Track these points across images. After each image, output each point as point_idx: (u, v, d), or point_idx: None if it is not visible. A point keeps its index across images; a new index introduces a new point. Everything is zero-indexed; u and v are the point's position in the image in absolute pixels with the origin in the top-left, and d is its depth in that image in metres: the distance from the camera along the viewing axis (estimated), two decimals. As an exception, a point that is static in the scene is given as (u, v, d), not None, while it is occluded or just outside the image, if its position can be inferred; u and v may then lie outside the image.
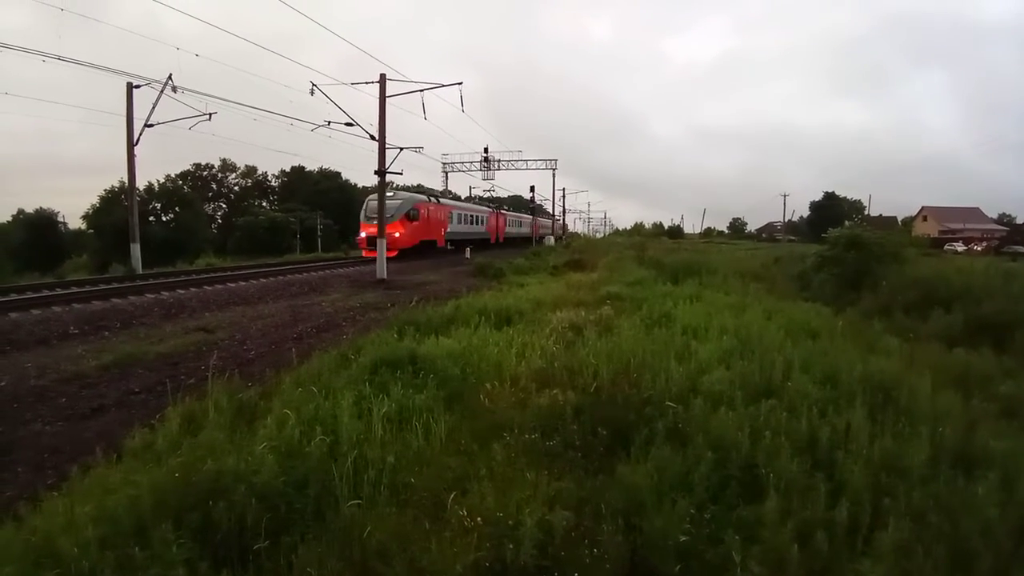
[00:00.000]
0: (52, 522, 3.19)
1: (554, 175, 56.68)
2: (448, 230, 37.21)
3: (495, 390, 5.67)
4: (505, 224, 53.31)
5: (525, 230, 60.92)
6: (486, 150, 47.06)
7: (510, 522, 3.27)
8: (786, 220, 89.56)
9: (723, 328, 8.04)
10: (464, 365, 6.40)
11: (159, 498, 3.32)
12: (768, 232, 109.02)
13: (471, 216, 43.58)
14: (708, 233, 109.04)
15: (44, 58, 16.92)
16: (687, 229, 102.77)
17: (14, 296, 13.78)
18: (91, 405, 6.27)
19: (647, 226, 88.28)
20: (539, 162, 53.94)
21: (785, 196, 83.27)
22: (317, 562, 3.01)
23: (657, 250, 29.10)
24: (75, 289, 15.38)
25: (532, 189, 58.39)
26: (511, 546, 3.08)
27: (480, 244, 44.65)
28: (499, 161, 50.12)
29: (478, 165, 49.24)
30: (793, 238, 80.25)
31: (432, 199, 36.10)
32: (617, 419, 4.68)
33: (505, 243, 51.55)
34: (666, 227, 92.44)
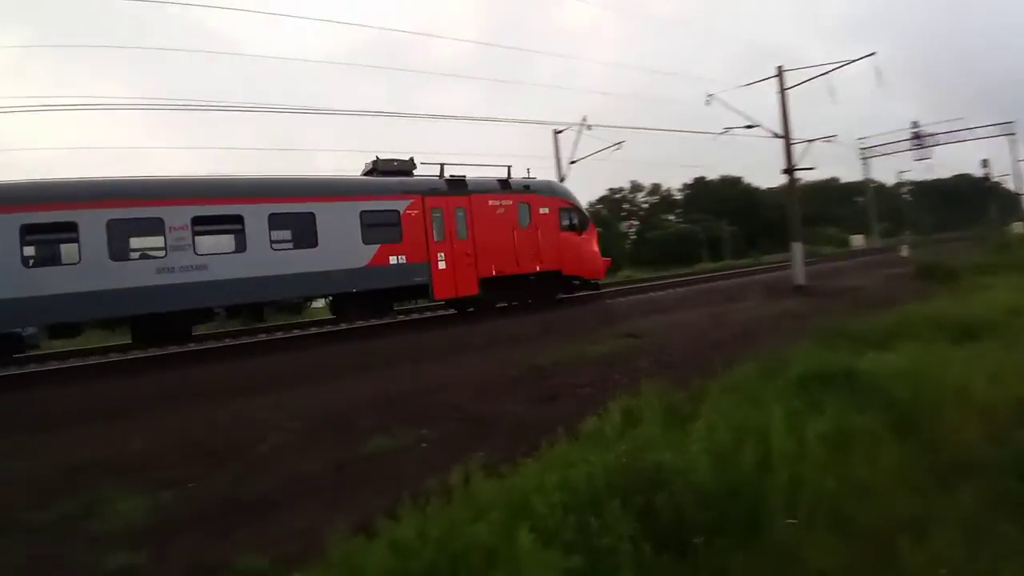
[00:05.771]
0: (526, 482, 3.84)
1: (1012, 142, 42.14)
2: None
3: (957, 419, 4.68)
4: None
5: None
6: (915, 125, 38.49)
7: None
8: None
9: None
10: (914, 386, 5.37)
11: (608, 478, 3.76)
12: None
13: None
14: None
15: (492, 122, 22.03)
16: None
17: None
18: (548, 394, 7.61)
19: None
20: (990, 127, 41.53)
21: None
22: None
23: None
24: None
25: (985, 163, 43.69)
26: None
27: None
28: (934, 135, 40.71)
29: (906, 145, 41.08)
30: None
31: None
32: None
33: None
34: None
